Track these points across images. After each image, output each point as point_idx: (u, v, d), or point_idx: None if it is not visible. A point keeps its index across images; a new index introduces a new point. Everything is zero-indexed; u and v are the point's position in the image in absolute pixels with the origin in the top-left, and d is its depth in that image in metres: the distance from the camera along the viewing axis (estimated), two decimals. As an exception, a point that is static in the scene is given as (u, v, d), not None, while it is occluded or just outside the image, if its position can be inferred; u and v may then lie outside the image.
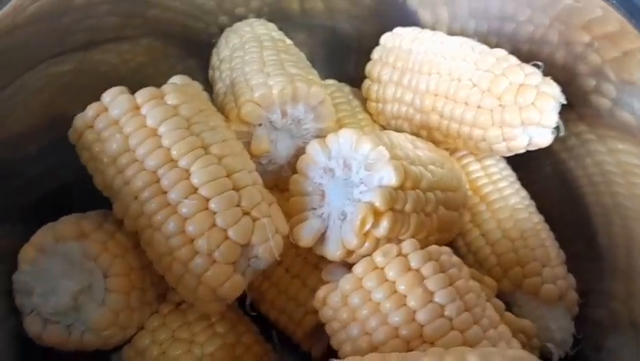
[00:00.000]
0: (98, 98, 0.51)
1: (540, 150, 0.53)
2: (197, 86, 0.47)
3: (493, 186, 0.55)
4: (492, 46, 0.53)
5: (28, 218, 0.49)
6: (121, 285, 0.43)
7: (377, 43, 0.62)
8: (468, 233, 0.54)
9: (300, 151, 0.51)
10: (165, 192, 0.41)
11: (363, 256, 0.42)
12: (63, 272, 0.43)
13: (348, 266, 0.45)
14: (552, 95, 0.47)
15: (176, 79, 0.46)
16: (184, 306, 0.48)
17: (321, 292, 0.42)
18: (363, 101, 0.61)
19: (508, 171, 0.57)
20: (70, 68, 0.51)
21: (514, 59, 0.49)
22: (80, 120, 0.44)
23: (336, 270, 0.45)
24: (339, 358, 0.41)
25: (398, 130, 0.54)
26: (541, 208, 0.57)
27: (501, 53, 0.50)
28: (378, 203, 0.41)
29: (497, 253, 0.53)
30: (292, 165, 0.53)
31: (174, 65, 0.63)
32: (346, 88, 0.63)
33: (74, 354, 0.45)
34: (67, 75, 0.51)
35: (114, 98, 0.43)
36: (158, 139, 0.42)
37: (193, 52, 0.63)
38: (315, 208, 0.46)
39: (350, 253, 0.43)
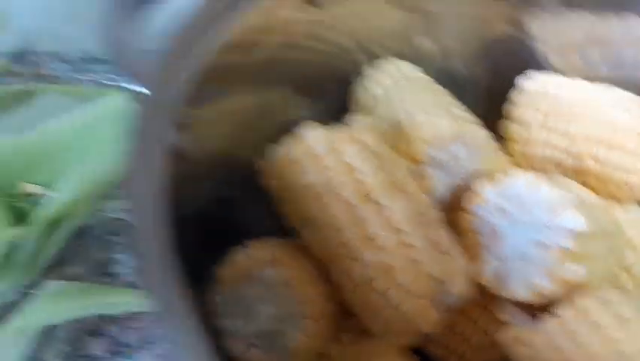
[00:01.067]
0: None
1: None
2: (381, 125, 0.49)
3: (637, 231, 0.56)
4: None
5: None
6: (316, 312, 0.45)
7: (494, 85, 0.64)
8: (615, 278, 0.54)
9: (454, 189, 0.53)
10: (367, 226, 0.43)
11: (549, 299, 0.44)
12: (261, 297, 0.45)
13: (523, 307, 0.46)
14: None
15: (360, 118, 0.48)
16: (364, 337, 0.48)
17: (515, 331, 0.43)
18: (499, 142, 0.61)
19: None
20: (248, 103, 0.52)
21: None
22: (277, 150, 0.47)
23: (514, 310, 0.46)
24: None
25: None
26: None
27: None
28: (572, 246, 0.42)
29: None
30: (444, 204, 0.54)
31: (300, 104, 0.62)
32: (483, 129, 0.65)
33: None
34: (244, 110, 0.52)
35: (312, 133, 0.46)
36: (356, 174, 0.44)
37: (317, 92, 0.63)
38: (488, 247, 0.47)
39: (538, 295, 0.44)
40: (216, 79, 0.48)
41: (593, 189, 0.55)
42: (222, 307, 0.45)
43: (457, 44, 0.68)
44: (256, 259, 0.46)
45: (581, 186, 0.52)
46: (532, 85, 0.60)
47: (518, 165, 0.61)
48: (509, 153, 0.61)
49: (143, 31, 0.45)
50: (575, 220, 0.44)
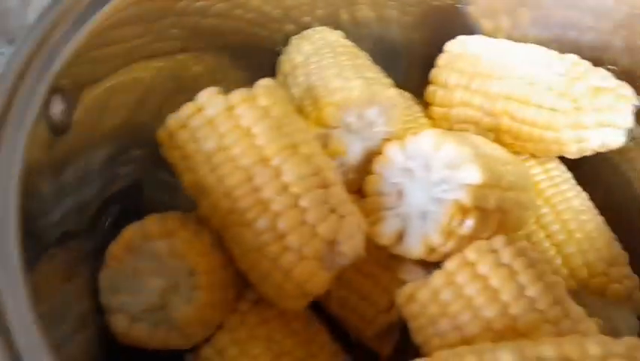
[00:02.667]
0: (162, 106, 0.53)
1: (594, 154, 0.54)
2: (282, 89, 0.49)
3: (556, 189, 0.56)
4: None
5: (97, 219, 0.51)
6: (206, 282, 0.44)
7: (427, 51, 0.63)
8: (532, 234, 0.54)
9: (369, 153, 0.53)
10: (257, 190, 0.42)
11: (444, 255, 0.43)
12: (150, 270, 0.44)
13: (424, 265, 0.46)
14: (628, 97, 0.49)
15: (264, 81, 0.47)
16: (261, 304, 0.48)
17: (407, 288, 0.43)
18: (422, 107, 0.62)
19: (568, 174, 0.58)
20: (144, 75, 0.52)
21: (587, 63, 0.51)
22: (172, 120, 0.45)
23: (413, 268, 0.46)
24: (424, 354, 0.41)
25: (463, 134, 0.56)
26: (600, 211, 0.58)
27: (574, 58, 0.52)
28: (465, 200, 0.42)
29: (563, 254, 0.53)
30: (359, 168, 0.54)
31: (228, 74, 0.63)
32: (406, 94, 0.64)
33: (151, 354, 0.46)
34: (142, 81, 0.52)
35: (209, 99, 0.44)
36: (252, 139, 0.43)
37: (246, 61, 0.63)
38: (392, 208, 0.47)
39: (432, 250, 0.44)
40: (118, 48, 0.49)
41: (510, 146, 0.55)
42: (108, 283, 0.44)
43: (394, 12, 0.68)
44: (146, 232, 0.44)
45: (490, 142, 0.51)
46: (456, 48, 0.59)
47: (439, 126, 0.60)
48: (432, 117, 0.61)
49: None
50: (471, 174, 0.42)
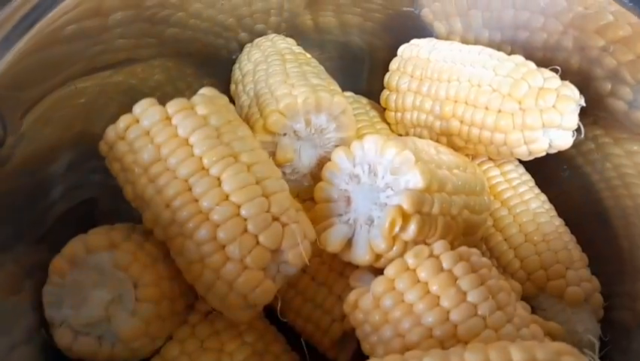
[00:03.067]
0: (119, 117, 0.52)
1: (556, 154, 0.53)
2: (224, 98, 0.48)
3: (513, 191, 0.55)
4: (507, 54, 0.54)
5: (53, 232, 0.51)
6: (151, 294, 0.44)
7: (389, 57, 0.63)
8: (490, 238, 0.54)
9: (322, 160, 0.52)
10: (197, 200, 0.42)
11: (392, 260, 0.43)
12: (94, 283, 0.43)
13: (375, 272, 0.45)
14: (572, 97, 0.48)
15: (205, 90, 0.47)
16: (212, 315, 0.48)
17: (352, 296, 0.42)
18: (380, 112, 0.62)
19: (527, 176, 0.58)
20: (93, 86, 0.52)
21: (532, 65, 0.50)
22: (111, 132, 0.44)
23: (364, 276, 0.45)
24: (372, 362, 0.41)
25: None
26: (560, 213, 0.57)
27: (519, 59, 0.51)
28: (406, 206, 0.41)
29: (520, 257, 0.53)
30: (314, 175, 0.53)
31: (191, 83, 0.64)
32: (363, 100, 0.64)
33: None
34: (92, 94, 0.52)
35: (145, 110, 0.44)
36: (190, 148, 0.42)
37: (208, 70, 0.64)
38: (340, 215, 0.46)
39: (378, 257, 0.44)
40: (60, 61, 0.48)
41: (463, 149, 0.54)
42: (52, 297, 0.43)
43: (357, 19, 0.68)
44: (90, 244, 0.44)
45: (440, 147, 0.51)
46: (407, 52, 0.59)
47: (395, 132, 0.60)
48: (387, 122, 0.61)
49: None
50: (413, 179, 0.42)
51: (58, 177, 0.51)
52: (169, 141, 0.43)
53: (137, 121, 0.44)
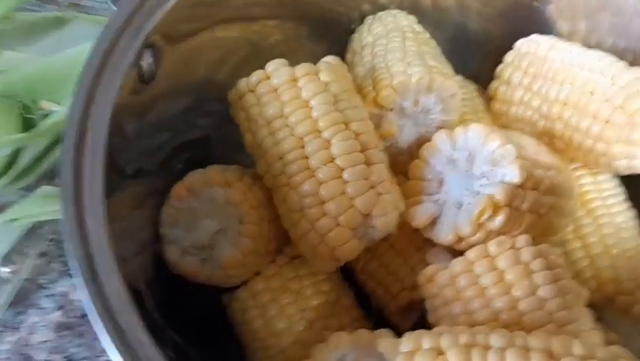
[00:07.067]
0: (240, 68, 0.57)
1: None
2: (344, 67, 0.52)
3: (601, 202, 0.56)
4: (628, 64, 0.54)
5: (169, 161, 0.57)
6: (252, 231, 0.49)
7: (503, 46, 0.64)
8: (569, 243, 0.55)
9: (422, 139, 0.55)
10: (307, 157, 0.46)
11: (472, 245, 0.46)
12: (206, 212, 0.50)
13: (453, 253, 0.49)
14: (684, 123, 0.48)
15: (329, 59, 0.51)
16: (297, 261, 0.53)
17: (429, 270, 0.46)
18: (486, 99, 0.63)
19: (619, 190, 0.58)
20: (226, 37, 0.57)
21: (653, 79, 0.50)
22: (243, 83, 0.50)
23: (441, 254, 0.48)
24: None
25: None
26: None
27: (639, 72, 0.51)
28: (499, 197, 0.44)
29: (595, 267, 0.54)
30: (411, 151, 0.56)
31: (305, 45, 0.67)
32: (471, 85, 0.65)
33: (193, 288, 0.52)
34: (224, 43, 0.57)
35: (277, 69, 0.48)
36: (309, 110, 0.47)
37: (324, 35, 0.67)
38: (431, 194, 0.50)
39: (460, 240, 0.47)
40: (208, 10, 0.53)
41: (561, 152, 0.55)
42: (168, 218, 0.49)
43: (476, 3, 0.68)
44: (208, 179, 0.50)
45: (540, 146, 0.52)
46: (526, 47, 0.60)
47: (497, 122, 0.61)
48: (492, 111, 0.62)
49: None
50: (510, 173, 0.44)
51: (179, 113, 0.57)
52: (292, 101, 0.48)
53: (268, 78, 0.49)
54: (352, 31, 0.66)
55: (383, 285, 0.55)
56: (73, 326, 0.59)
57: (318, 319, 0.51)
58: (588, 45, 0.59)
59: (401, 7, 0.66)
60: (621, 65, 0.53)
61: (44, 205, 0.59)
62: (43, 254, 0.63)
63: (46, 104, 0.58)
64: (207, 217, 0.49)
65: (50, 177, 0.63)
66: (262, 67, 0.50)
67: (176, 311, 0.51)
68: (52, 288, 0.61)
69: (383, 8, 0.66)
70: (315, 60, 0.53)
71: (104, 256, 0.37)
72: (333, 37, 0.67)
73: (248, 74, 0.51)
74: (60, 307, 0.60)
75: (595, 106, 0.51)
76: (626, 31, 0.57)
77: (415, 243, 0.54)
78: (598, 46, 0.59)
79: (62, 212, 0.38)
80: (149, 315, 0.46)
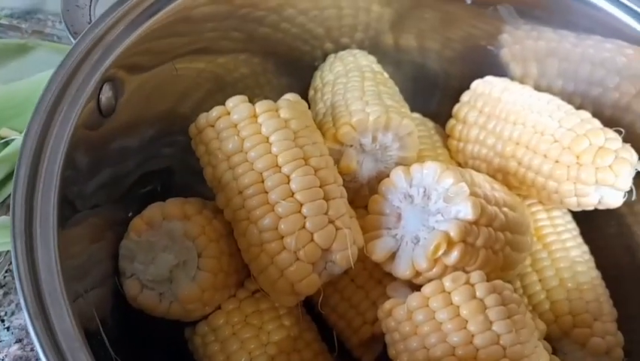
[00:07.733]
0: (204, 101, 0.58)
1: (607, 210, 0.56)
2: (304, 104, 0.53)
3: (556, 237, 0.58)
4: (576, 106, 0.57)
5: (129, 194, 0.57)
6: (211, 266, 0.49)
7: (462, 86, 0.66)
8: (526, 276, 0.57)
9: (380, 174, 0.57)
10: (267, 192, 0.47)
11: (430, 280, 0.47)
12: (164, 246, 0.49)
13: (412, 286, 0.49)
14: (629, 160, 0.51)
15: (289, 96, 0.52)
16: (258, 295, 0.53)
17: (387, 304, 0.46)
18: (444, 137, 0.65)
19: (572, 225, 0.60)
20: (188, 70, 0.57)
21: (597, 122, 0.53)
22: (203, 119, 0.50)
23: (401, 288, 0.49)
24: (394, 366, 0.45)
25: (475, 170, 0.58)
26: (599, 266, 0.59)
27: (586, 115, 0.54)
28: (453, 233, 0.45)
29: (552, 300, 0.55)
30: (371, 186, 0.58)
31: (271, 79, 0.69)
32: (429, 123, 0.67)
33: (154, 321, 0.51)
34: (185, 76, 0.58)
35: (237, 105, 0.49)
36: (269, 146, 0.48)
37: (289, 71, 0.69)
38: (389, 228, 0.50)
39: (418, 274, 0.47)
40: (169, 44, 0.54)
41: (516, 189, 0.57)
42: (127, 252, 0.49)
43: (436, 45, 0.71)
44: (167, 212, 0.50)
45: (495, 183, 0.54)
46: (480, 87, 0.62)
47: (454, 159, 0.63)
48: (449, 148, 0.64)
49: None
50: (464, 210, 0.46)
51: (140, 145, 0.57)
52: (252, 137, 0.48)
53: (228, 113, 0.50)
54: (316, 68, 0.68)
55: (345, 319, 0.55)
56: (31, 359, 0.58)
57: (279, 354, 0.51)
58: (539, 87, 0.63)
59: (362, 47, 0.69)
60: (568, 107, 0.56)
61: (1, 236, 0.57)
62: (0, 286, 0.62)
63: (6, 132, 0.58)
64: (166, 251, 0.49)
65: (8, 206, 0.62)
66: (227, 99, 0.51)
67: (136, 347, 0.50)
68: (10, 321, 0.60)
69: (345, 47, 0.68)
70: (280, 94, 0.54)
71: (55, 292, 0.37)
72: (298, 73, 0.69)
73: (212, 107, 0.51)
74: (18, 341, 0.59)
75: (545, 146, 0.54)
76: (574, 75, 0.60)
77: (375, 276, 0.55)
78: (548, 88, 0.62)
79: (12, 246, 0.37)
80: (105, 351, 0.44)
